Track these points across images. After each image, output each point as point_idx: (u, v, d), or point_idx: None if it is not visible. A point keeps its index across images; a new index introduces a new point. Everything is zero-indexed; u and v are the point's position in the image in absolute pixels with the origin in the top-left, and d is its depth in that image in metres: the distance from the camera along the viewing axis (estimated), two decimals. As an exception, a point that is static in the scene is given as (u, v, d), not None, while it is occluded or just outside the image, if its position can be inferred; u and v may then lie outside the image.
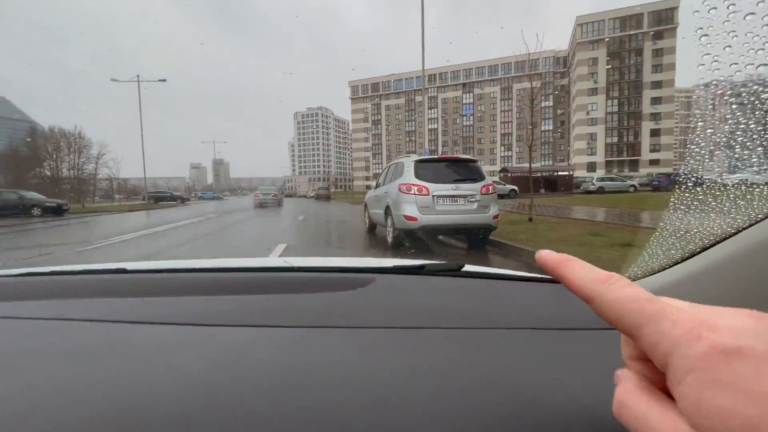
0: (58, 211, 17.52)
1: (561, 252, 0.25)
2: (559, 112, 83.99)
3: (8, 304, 0.68)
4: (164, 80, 31.85)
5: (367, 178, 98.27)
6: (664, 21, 60.99)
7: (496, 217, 5.51)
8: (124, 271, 0.84)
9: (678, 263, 0.61)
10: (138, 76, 29.76)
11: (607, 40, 65.10)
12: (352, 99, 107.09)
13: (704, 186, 0.63)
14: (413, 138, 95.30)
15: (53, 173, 39.60)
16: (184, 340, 0.51)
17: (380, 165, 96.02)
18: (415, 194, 5.30)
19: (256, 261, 1.03)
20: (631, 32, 64.33)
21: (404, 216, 5.31)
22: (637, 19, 63.73)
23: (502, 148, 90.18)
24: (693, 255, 0.58)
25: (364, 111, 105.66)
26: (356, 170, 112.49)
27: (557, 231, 6.89)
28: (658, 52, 62.37)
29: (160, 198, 38.74)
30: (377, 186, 7.21)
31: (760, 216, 0.49)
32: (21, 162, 39.05)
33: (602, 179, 29.80)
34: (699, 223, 0.61)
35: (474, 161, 5.87)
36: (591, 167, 65.24)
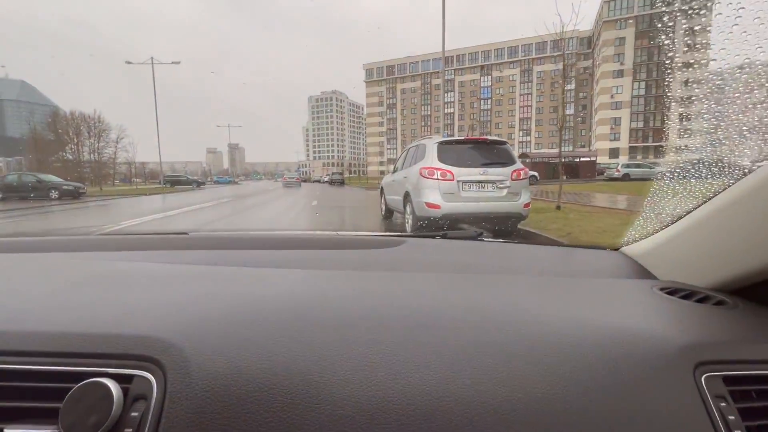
0: (75, 194, 17.66)
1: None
2: (581, 95, 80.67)
3: (145, 252, 0.90)
4: (178, 62, 31.63)
5: (382, 164, 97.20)
6: (700, -3, 57.07)
7: (527, 205, 4.99)
8: (198, 231, 1.24)
9: (669, 225, 0.70)
10: (152, 58, 29.54)
11: (636, 17, 61.51)
12: (366, 82, 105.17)
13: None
14: (429, 122, 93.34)
15: (75, 157, 40.24)
16: (269, 275, 0.69)
17: (395, 150, 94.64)
18: (438, 179, 4.81)
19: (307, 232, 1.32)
20: (663, 9, 60.50)
21: (426, 203, 4.84)
22: (670, -6, 59.80)
23: (521, 132, 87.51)
24: (681, 217, 0.67)
25: (378, 95, 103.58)
26: (370, 155, 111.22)
27: (591, 221, 6.30)
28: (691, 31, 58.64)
29: (176, 182, 38.94)
30: (395, 170, 6.72)
31: (734, 180, 0.57)
32: (45, 146, 39.74)
33: (628, 165, 28.30)
34: (684, 188, 0.71)
35: (503, 143, 5.30)
36: (614, 153, 62.68)
